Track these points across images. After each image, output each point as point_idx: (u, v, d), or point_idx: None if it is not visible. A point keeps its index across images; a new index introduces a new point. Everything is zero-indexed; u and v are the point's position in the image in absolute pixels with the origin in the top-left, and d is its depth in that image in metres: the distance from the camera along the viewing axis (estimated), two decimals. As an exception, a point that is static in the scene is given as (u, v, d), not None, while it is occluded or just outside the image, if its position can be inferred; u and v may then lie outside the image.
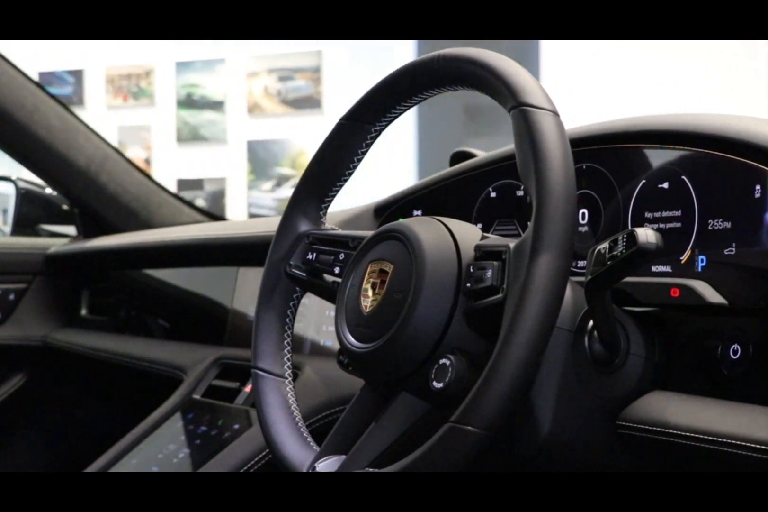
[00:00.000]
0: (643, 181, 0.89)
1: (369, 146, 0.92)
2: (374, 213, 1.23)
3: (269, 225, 1.36)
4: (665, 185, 0.87)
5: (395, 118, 0.90)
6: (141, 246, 1.76)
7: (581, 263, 0.94)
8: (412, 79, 0.84)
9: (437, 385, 0.74)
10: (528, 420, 0.80)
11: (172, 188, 5.31)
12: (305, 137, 4.95)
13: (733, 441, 0.73)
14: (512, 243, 0.74)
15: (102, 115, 5.57)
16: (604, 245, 0.73)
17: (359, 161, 0.93)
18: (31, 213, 2.13)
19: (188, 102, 5.37)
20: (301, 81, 5.04)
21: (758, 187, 0.79)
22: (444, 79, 0.81)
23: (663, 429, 0.79)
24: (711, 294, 0.81)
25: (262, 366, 0.93)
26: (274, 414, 0.90)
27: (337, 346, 0.88)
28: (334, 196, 0.95)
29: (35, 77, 5.76)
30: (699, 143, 0.84)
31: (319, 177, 0.94)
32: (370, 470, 0.77)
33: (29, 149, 1.81)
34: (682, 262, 0.85)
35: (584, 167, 0.94)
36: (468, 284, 0.76)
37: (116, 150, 1.91)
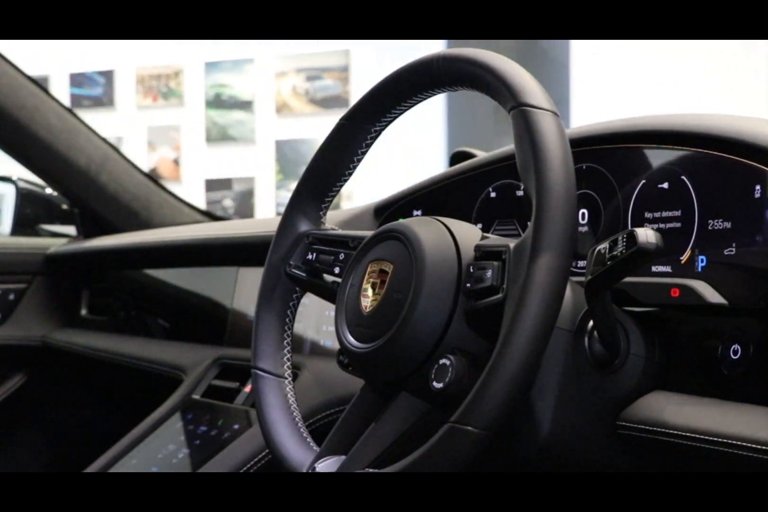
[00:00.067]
0: (643, 181, 0.89)
1: (369, 146, 0.92)
2: (374, 213, 1.23)
3: (269, 225, 1.36)
4: (665, 185, 0.87)
5: (395, 118, 0.90)
6: (141, 246, 1.76)
7: (581, 263, 0.94)
8: (412, 80, 0.84)
9: (437, 385, 0.74)
10: (528, 420, 0.79)
11: (201, 188, 5.31)
12: None
13: (733, 442, 0.73)
14: (512, 243, 0.74)
15: (132, 116, 5.59)
16: (604, 245, 0.73)
17: (359, 161, 0.93)
18: (31, 213, 2.13)
19: (217, 102, 5.37)
20: (329, 80, 5.03)
21: (758, 187, 0.79)
22: (444, 80, 0.81)
23: (663, 430, 0.79)
24: (711, 294, 0.81)
25: (261, 366, 0.93)
26: (274, 414, 0.90)
27: (337, 346, 0.87)
28: (334, 196, 0.95)
29: (66, 78, 5.72)
30: (699, 143, 0.84)
31: (319, 177, 0.94)
32: (370, 470, 0.77)
33: (29, 149, 1.81)
34: (682, 262, 0.85)
35: (584, 167, 0.94)
36: (468, 284, 0.76)
37: (116, 150, 1.91)
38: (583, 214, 0.95)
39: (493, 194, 1.06)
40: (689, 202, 0.85)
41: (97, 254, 1.88)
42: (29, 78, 1.77)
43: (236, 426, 1.31)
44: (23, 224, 2.10)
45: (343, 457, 0.82)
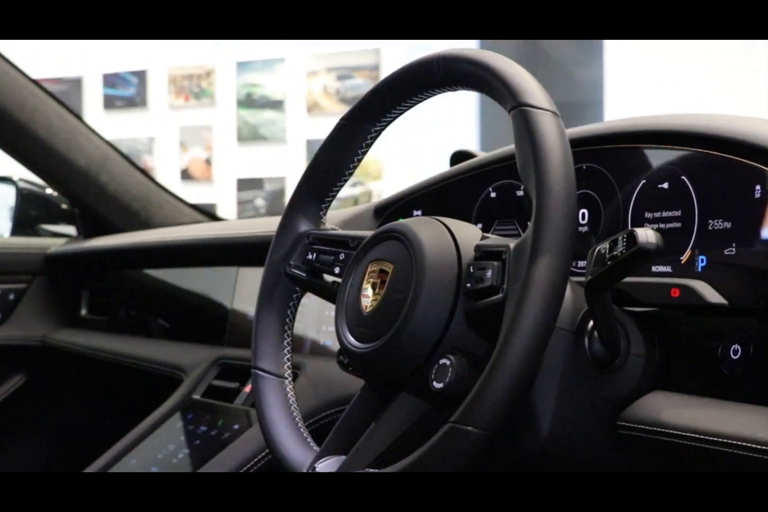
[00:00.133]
0: (643, 181, 0.89)
1: (369, 146, 0.92)
2: (374, 213, 1.23)
3: (269, 225, 1.36)
4: (665, 185, 0.87)
5: (395, 118, 0.90)
6: (141, 246, 1.76)
7: (581, 263, 0.94)
8: (413, 80, 0.84)
9: (437, 385, 0.74)
10: (528, 420, 0.79)
11: (232, 187, 5.32)
12: None
13: (734, 442, 0.73)
14: (512, 243, 0.74)
15: (164, 116, 5.61)
16: (604, 245, 0.73)
17: (359, 161, 0.93)
18: (31, 213, 2.13)
19: (248, 102, 5.38)
20: (359, 79, 5.03)
21: (758, 187, 0.79)
22: (444, 80, 0.81)
23: (663, 430, 0.79)
24: (711, 294, 0.81)
25: (262, 366, 0.93)
26: (274, 414, 0.90)
27: (337, 346, 0.87)
28: (334, 196, 0.95)
29: (99, 79, 5.62)
30: (699, 143, 0.84)
31: (319, 177, 0.94)
32: (370, 470, 0.77)
33: (29, 149, 1.81)
34: (683, 262, 0.85)
35: (584, 167, 0.94)
36: (468, 285, 0.76)
37: (116, 150, 1.91)
38: (583, 214, 0.95)
39: (493, 194, 1.06)
40: (689, 202, 0.85)
41: (97, 254, 1.88)
42: (29, 78, 1.77)
43: (236, 426, 1.31)
44: (23, 224, 2.10)
45: (343, 457, 0.82)
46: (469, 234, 0.80)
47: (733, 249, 0.81)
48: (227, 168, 5.41)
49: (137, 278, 1.89)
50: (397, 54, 4.85)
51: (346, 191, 4.95)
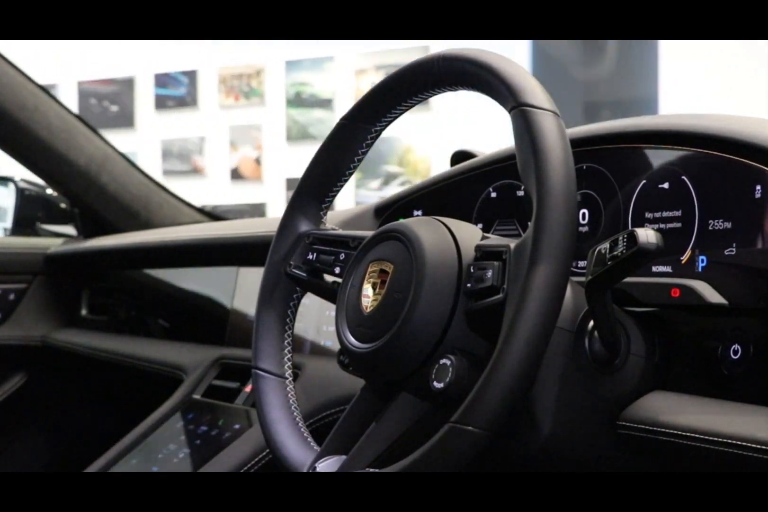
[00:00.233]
0: (644, 181, 0.89)
1: (369, 146, 0.92)
2: (374, 213, 1.23)
3: (269, 225, 1.36)
4: (665, 186, 0.87)
5: (395, 118, 0.90)
6: (141, 246, 1.76)
7: (581, 263, 0.94)
8: (413, 80, 0.84)
9: (437, 385, 0.74)
10: (528, 420, 0.79)
11: (282, 187, 5.32)
12: (412, 134, 4.88)
13: (734, 442, 0.73)
14: (513, 243, 0.74)
15: (214, 116, 5.63)
16: (605, 246, 0.73)
17: (359, 161, 0.93)
18: (31, 213, 2.13)
19: (297, 101, 5.37)
20: None
21: (758, 187, 0.79)
22: (444, 80, 0.81)
23: (663, 429, 0.79)
24: (711, 294, 0.81)
25: (262, 366, 0.93)
26: (275, 414, 0.90)
27: (337, 346, 0.88)
28: (334, 196, 0.95)
29: (151, 79, 5.56)
30: (699, 143, 0.84)
31: (319, 177, 0.94)
32: (371, 470, 0.77)
33: (29, 149, 1.81)
34: (683, 262, 0.85)
35: (585, 167, 0.94)
36: (468, 285, 0.76)
37: (116, 150, 1.91)
38: (584, 214, 0.95)
39: (493, 194, 1.06)
40: (689, 202, 0.85)
41: (97, 254, 1.88)
42: (29, 78, 1.77)
43: (237, 426, 1.31)
44: (23, 224, 2.10)
45: (344, 457, 0.82)
46: (470, 234, 0.80)
47: (734, 249, 0.81)
48: (277, 167, 5.40)
49: (137, 278, 1.89)
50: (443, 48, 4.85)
51: (395, 191, 4.96)
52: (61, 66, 5.99)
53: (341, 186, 0.94)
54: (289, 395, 0.92)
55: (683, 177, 0.86)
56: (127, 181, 1.90)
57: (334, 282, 0.93)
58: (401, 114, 0.89)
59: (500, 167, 1.05)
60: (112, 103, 6.02)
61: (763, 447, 0.71)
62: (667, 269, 0.86)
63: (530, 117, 0.72)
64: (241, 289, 1.53)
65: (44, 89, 1.80)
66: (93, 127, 1.89)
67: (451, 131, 4.48)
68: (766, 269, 0.78)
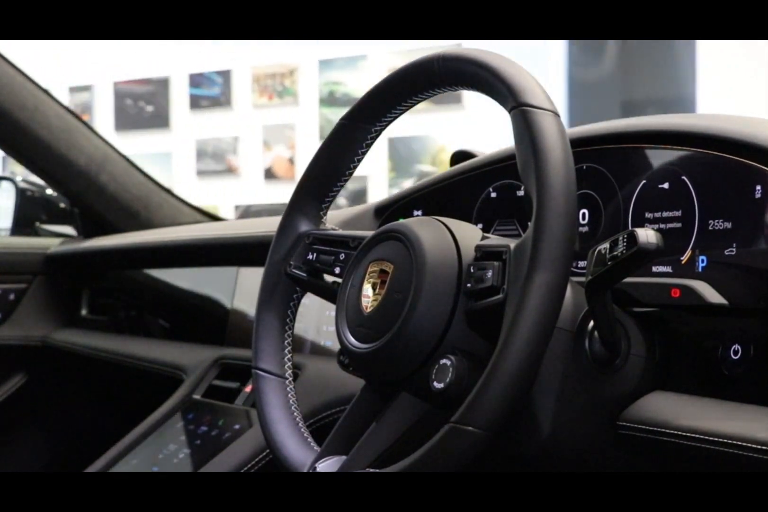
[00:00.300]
0: (644, 181, 0.89)
1: (369, 146, 0.92)
2: (375, 213, 1.23)
3: (269, 225, 1.36)
4: (665, 186, 0.87)
5: (395, 118, 0.90)
6: (141, 246, 1.76)
7: (581, 264, 0.94)
8: (413, 80, 0.84)
9: (438, 385, 0.74)
10: (529, 420, 0.79)
11: None
12: (446, 133, 4.89)
13: (734, 442, 0.73)
14: (513, 243, 0.74)
15: (248, 115, 5.63)
16: (605, 246, 0.73)
17: (359, 161, 0.93)
18: (30, 213, 2.13)
19: (330, 100, 5.37)
20: None
21: (758, 187, 0.79)
22: (444, 80, 0.81)
23: (663, 430, 0.79)
24: (711, 294, 0.81)
25: (262, 366, 0.93)
26: (275, 414, 0.90)
27: (337, 346, 0.87)
28: (334, 196, 0.95)
29: (186, 79, 5.58)
30: (699, 143, 0.84)
31: (319, 177, 0.94)
32: (371, 470, 0.77)
33: (29, 149, 1.81)
34: (683, 262, 0.85)
35: (584, 167, 0.94)
36: (468, 285, 0.76)
37: (116, 150, 1.91)
38: (584, 214, 0.95)
39: (493, 194, 1.06)
40: (689, 202, 0.85)
41: (97, 254, 1.88)
42: (29, 78, 1.77)
43: (237, 426, 1.31)
44: (23, 223, 2.10)
45: (344, 457, 0.82)
46: (470, 234, 0.80)
47: (734, 249, 0.81)
48: None
49: (137, 278, 1.89)
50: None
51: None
52: (97, 67, 6.02)
53: (341, 186, 0.94)
54: (289, 395, 0.92)
55: (683, 177, 0.86)
56: (127, 181, 1.90)
57: (334, 282, 0.93)
58: (401, 114, 0.89)
59: (500, 167, 1.05)
60: (147, 103, 6.05)
61: (763, 447, 0.71)
62: (667, 269, 0.86)
63: (530, 117, 0.72)
64: (241, 289, 1.53)
65: (44, 89, 1.80)
66: (92, 127, 1.89)
67: (484, 129, 4.46)
68: (766, 269, 0.78)
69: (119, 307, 1.91)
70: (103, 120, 6.22)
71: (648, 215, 0.88)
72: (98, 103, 6.25)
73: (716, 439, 0.75)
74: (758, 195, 0.79)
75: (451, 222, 0.81)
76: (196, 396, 1.44)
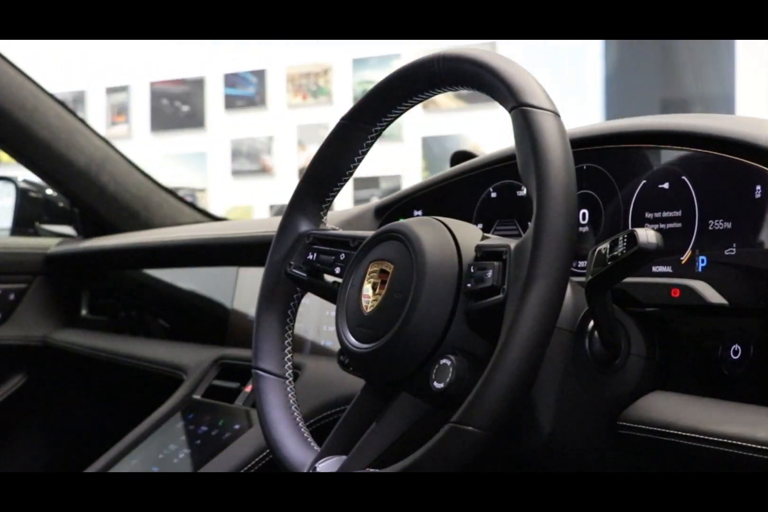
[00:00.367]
0: (644, 181, 0.89)
1: (369, 146, 0.92)
2: (375, 213, 1.23)
3: (269, 225, 1.36)
4: (666, 186, 0.87)
5: (395, 118, 0.90)
6: (141, 246, 1.76)
7: (582, 264, 0.94)
8: (413, 80, 0.84)
9: (438, 385, 0.74)
10: (529, 420, 0.80)
11: (349, 186, 5.35)
12: (480, 131, 4.87)
13: (734, 442, 0.73)
14: (513, 243, 0.74)
15: (283, 115, 5.64)
16: (605, 246, 0.73)
17: (359, 161, 0.93)
18: (30, 213, 2.13)
19: None
20: None
21: (758, 187, 0.79)
22: (445, 80, 0.82)
23: (663, 430, 0.79)
24: (711, 294, 0.81)
25: (262, 366, 0.93)
26: (275, 414, 0.90)
27: (337, 346, 0.87)
28: (334, 196, 0.95)
29: (221, 79, 5.61)
30: (699, 143, 0.85)
31: (319, 177, 0.94)
32: (371, 470, 0.77)
33: (29, 149, 1.81)
34: (683, 262, 0.85)
35: (585, 167, 0.94)
36: (469, 285, 0.76)
37: (116, 150, 1.91)
38: (584, 214, 0.95)
39: (493, 194, 1.06)
40: (690, 202, 0.85)
41: (97, 254, 1.88)
42: (29, 78, 1.77)
43: (237, 426, 1.31)
44: (23, 223, 2.10)
45: (344, 457, 0.82)
46: (470, 234, 0.80)
47: (734, 249, 0.81)
48: None
49: (137, 278, 1.89)
50: (512, 48, 4.75)
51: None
52: (134, 67, 6.03)
53: (341, 186, 0.94)
54: (289, 395, 0.92)
55: (683, 177, 0.86)
56: (127, 181, 1.90)
57: (335, 282, 0.93)
58: (401, 114, 0.90)
59: (500, 167, 1.05)
60: (183, 103, 6.07)
61: (763, 447, 0.71)
62: (667, 269, 0.86)
63: (530, 117, 0.72)
64: (241, 289, 1.53)
65: (44, 89, 1.80)
66: (92, 127, 1.89)
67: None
68: (766, 269, 0.78)
69: (119, 307, 1.91)
70: (140, 120, 6.25)
71: (648, 215, 0.89)
72: (135, 103, 6.28)
73: (716, 439, 0.75)
74: (758, 195, 0.79)
75: (452, 222, 0.82)
76: (196, 396, 1.44)
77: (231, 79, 5.85)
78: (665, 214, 0.87)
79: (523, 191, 1.02)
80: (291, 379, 0.93)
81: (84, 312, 1.99)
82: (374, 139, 0.91)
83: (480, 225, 1.06)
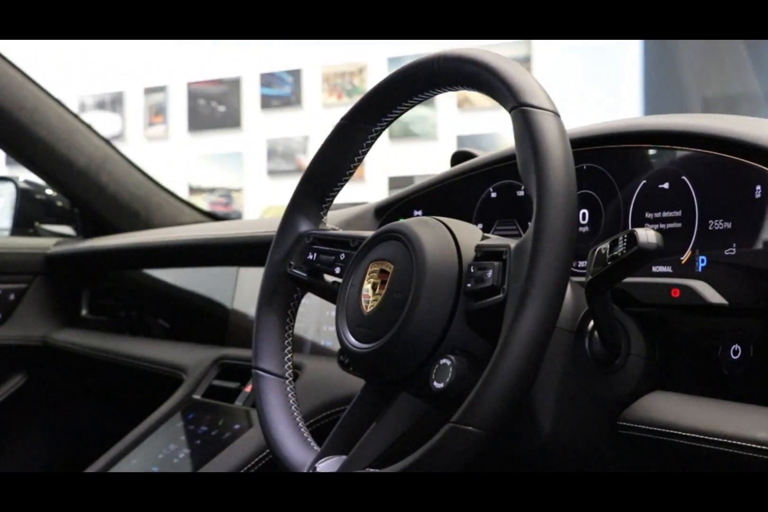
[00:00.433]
0: (644, 181, 0.89)
1: (369, 146, 0.92)
2: (375, 213, 1.23)
3: (269, 225, 1.36)
4: (666, 186, 0.87)
5: (395, 118, 0.90)
6: (141, 246, 1.76)
7: (582, 264, 0.94)
8: (413, 80, 0.84)
9: (438, 385, 0.74)
10: (529, 420, 0.79)
11: (384, 185, 5.33)
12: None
13: (734, 442, 0.73)
14: (513, 243, 0.74)
15: (318, 114, 5.64)
16: (605, 246, 0.73)
17: (359, 161, 0.93)
18: (30, 213, 2.13)
19: None
20: None
21: (758, 187, 0.79)
22: (445, 80, 0.82)
23: (663, 430, 0.79)
24: (711, 294, 0.81)
25: (262, 366, 0.93)
26: (275, 414, 0.90)
27: (337, 346, 0.88)
28: (334, 196, 0.95)
29: (257, 79, 5.60)
30: (699, 143, 0.85)
31: (319, 177, 0.94)
32: (371, 470, 0.77)
33: (29, 149, 1.81)
34: (683, 262, 0.85)
35: (585, 167, 0.94)
36: (468, 285, 0.76)
37: (116, 150, 1.91)
38: (584, 214, 0.95)
39: (493, 194, 1.06)
40: (690, 202, 0.85)
41: (97, 254, 1.88)
42: (29, 78, 1.77)
43: (237, 426, 1.31)
44: (23, 223, 2.10)
45: (344, 457, 0.82)
46: (470, 234, 0.80)
47: (734, 249, 0.81)
48: (379, 166, 5.35)
49: (137, 278, 1.89)
50: (548, 45, 4.72)
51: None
52: (171, 68, 6.04)
53: (341, 186, 0.94)
54: (289, 395, 0.92)
55: (683, 177, 0.86)
56: (127, 181, 1.90)
57: (334, 282, 0.93)
58: (401, 114, 0.89)
59: (500, 167, 1.05)
60: (219, 103, 6.07)
61: (763, 447, 0.71)
62: (667, 269, 0.86)
63: (530, 117, 0.72)
64: (241, 289, 1.53)
65: (44, 89, 1.80)
66: (92, 127, 1.89)
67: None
68: (766, 269, 0.78)
69: (119, 307, 1.91)
70: (177, 121, 6.26)
71: (648, 215, 0.89)
72: (172, 103, 6.29)
73: (716, 439, 0.75)
74: (758, 195, 0.79)
75: (451, 222, 0.81)
76: (196, 396, 1.44)
77: (267, 79, 5.84)
78: (665, 214, 0.87)
79: (523, 191, 1.02)
80: (291, 379, 0.93)
81: (84, 312, 1.99)
82: (374, 139, 0.91)
83: (480, 225, 1.06)
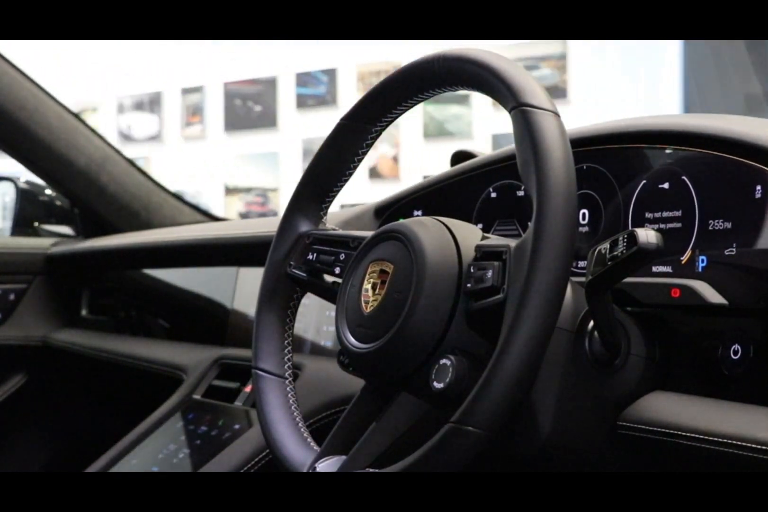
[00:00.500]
0: (644, 181, 0.89)
1: (369, 146, 0.92)
2: (375, 213, 1.24)
3: (269, 225, 1.36)
4: (666, 186, 0.87)
5: (395, 118, 0.90)
6: (141, 246, 1.76)
7: (582, 264, 0.94)
8: (413, 80, 0.84)
9: (438, 385, 0.74)
10: (529, 420, 0.79)
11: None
12: None
13: (734, 442, 0.73)
14: (513, 243, 0.74)
15: None
16: (605, 246, 0.73)
17: (359, 161, 0.93)
18: (30, 213, 2.13)
19: (434, 97, 5.37)
20: (546, 69, 4.91)
21: (758, 187, 0.79)
22: (445, 80, 0.82)
23: (663, 430, 0.79)
24: (711, 294, 0.81)
25: (262, 366, 0.93)
26: (275, 414, 0.90)
27: (337, 346, 0.88)
28: (334, 196, 0.95)
29: (293, 78, 5.65)
30: (699, 143, 0.85)
31: (319, 177, 0.94)
32: (371, 470, 0.77)
33: (29, 149, 1.81)
34: (683, 262, 0.85)
35: (585, 167, 0.94)
36: (468, 285, 0.76)
37: (116, 150, 1.91)
38: (584, 214, 0.95)
39: (493, 194, 1.06)
40: (690, 202, 0.85)
41: (97, 254, 1.88)
42: (29, 78, 1.77)
43: (237, 426, 1.31)
44: (23, 223, 2.10)
45: (344, 457, 0.82)
46: (470, 234, 0.80)
47: (734, 249, 0.81)
48: (414, 165, 5.35)
49: (137, 278, 1.89)
50: (584, 43, 4.69)
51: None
52: (208, 68, 6.04)
53: (341, 186, 0.94)
54: (289, 395, 0.92)
55: (683, 177, 0.86)
56: (127, 181, 1.90)
57: (334, 282, 0.93)
58: (401, 114, 0.90)
59: (500, 167, 1.05)
60: (255, 103, 6.08)
61: (763, 447, 0.71)
62: (667, 269, 0.86)
63: (530, 117, 0.72)
64: (241, 289, 1.53)
65: (44, 89, 1.80)
66: (92, 127, 1.89)
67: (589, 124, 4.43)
68: (766, 269, 0.78)
69: (119, 307, 1.91)
70: (214, 121, 6.27)
71: (648, 215, 0.89)
72: (209, 104, 6.31)
73: (716, 439, 0.75)
74: (758, 195, 0.79)
75: (451, 222, 0.81)
76: (196, 396, 1.44)
77: (302, 79, 5.86)
78: (665, 214, 0.87)
79: (523, 191, 1.02)
80: (291, 379, 0.93)
81: (84, 312, 1.99)
82: (374, 139, 0.91)
83: (480, 225, 1.06)
